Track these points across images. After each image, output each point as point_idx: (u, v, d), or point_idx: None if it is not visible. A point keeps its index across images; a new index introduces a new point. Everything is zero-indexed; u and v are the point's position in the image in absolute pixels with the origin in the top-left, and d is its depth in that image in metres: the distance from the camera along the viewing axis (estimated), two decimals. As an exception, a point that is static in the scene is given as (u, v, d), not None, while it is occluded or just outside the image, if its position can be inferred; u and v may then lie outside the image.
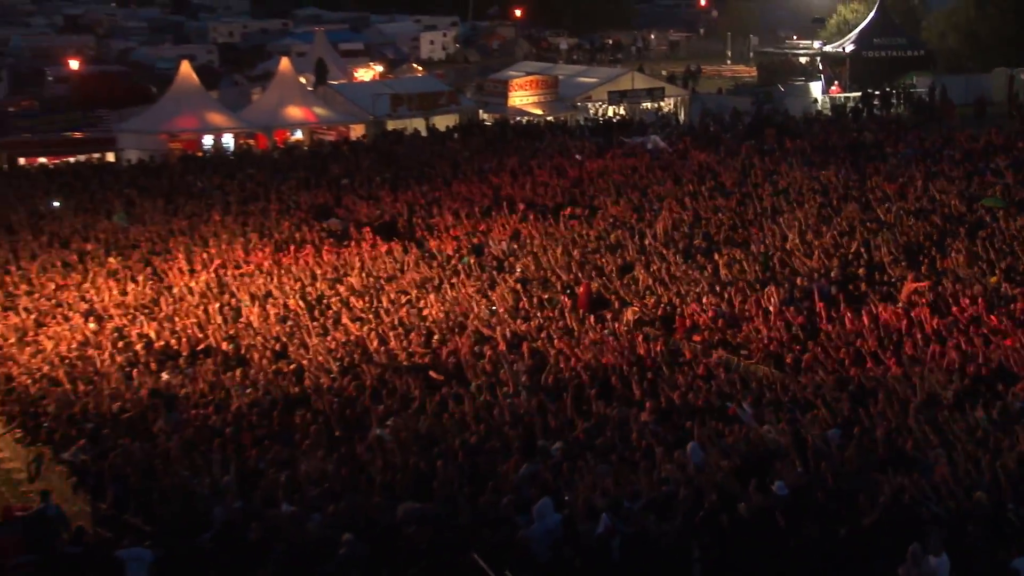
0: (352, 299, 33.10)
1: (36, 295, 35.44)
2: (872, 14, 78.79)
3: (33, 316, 33.60)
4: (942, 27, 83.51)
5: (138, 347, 30.29)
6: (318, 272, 35.95)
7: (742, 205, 39.27)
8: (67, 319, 33.19)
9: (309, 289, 34.34)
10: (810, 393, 23.53)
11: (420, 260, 36.50)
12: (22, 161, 59.42)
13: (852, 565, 16.68)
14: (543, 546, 17.56)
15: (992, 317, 26.50)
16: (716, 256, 33.68)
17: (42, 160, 59.66)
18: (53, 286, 36.18)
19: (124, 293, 35.10)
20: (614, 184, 44.39)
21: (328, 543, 18.33)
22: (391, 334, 29.70)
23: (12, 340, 31.82)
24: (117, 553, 18.62)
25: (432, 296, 32.72)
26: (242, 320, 32.02)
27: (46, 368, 29.34)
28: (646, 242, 35.88)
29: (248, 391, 26.66)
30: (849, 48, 75.33)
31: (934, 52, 77.56)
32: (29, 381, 28.41)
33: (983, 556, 16.69)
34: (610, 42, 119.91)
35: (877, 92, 67.80)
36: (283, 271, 36.43)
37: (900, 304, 28.21)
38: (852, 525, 17.45)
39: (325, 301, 33.20)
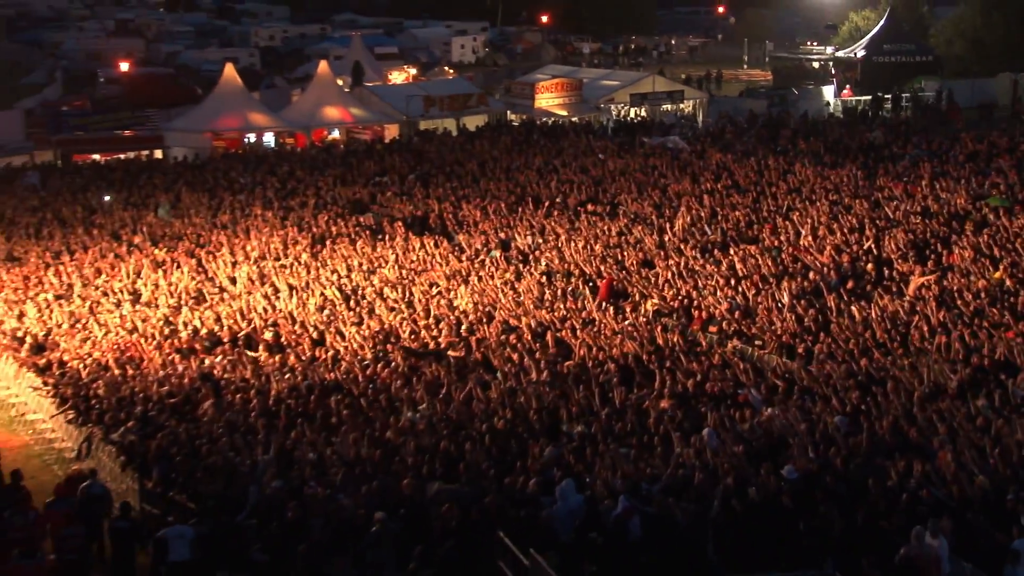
0: (385, 290, 33.19)
1: (88, 285, 35.64)
2: (883, 21, 78.47)
3: (85, 304, 33.80)
4: (949, 34, 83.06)
5: (183, 334, 30.45)
6: (353, 264, 36.04)
7: (757, 203, 39.16)
8: (117, 307, 33.38)
9: (345, 280, 34.44)
10: (820, 382, 23.50)
11: (450, 254, 36.56)
12: (75, 158, 59.68)
13: (859, 546, 16.64)
14: (565, 525, 17.58)
15: (995, 311, 26.42)
16: (732, 251, 33.64)
17: (94, 157, 59.91)
18: (104, 276, 36.38)
19: (170, 283, 35.25)
20: (635, 182, 44.30)
21: (362, 521, 18.40)
22: (422, 324, 29.78)
23: (65, 327, 32.03)
24: (161, 533, 18.76)
25: (461, 288, 32.77)
26: (282, 309, 32.14)
27: (96, 353, 29.54)
28: (665, 237, 35.82)
29: (287, 376, 26.79)
30: (860, 53, 74.99)
31: (941, 58, 77.17)
32: (81, 366, 28.60)
33: (984, 538, 16.66)
34: (632, 46, 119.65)
35: (887, 96, 67.47)
36: (320, 263, 36.55)
37: (907, 298, 28.13)
38: (859, 508, 17.44)
39: (360, 292, 33.32)
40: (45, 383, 28.17)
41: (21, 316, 33.26)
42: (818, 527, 17.02)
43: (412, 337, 28.93)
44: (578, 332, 28.09)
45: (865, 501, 17.66)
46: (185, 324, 31.23)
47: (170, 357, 28.95)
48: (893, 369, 23.54)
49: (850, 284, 29.63)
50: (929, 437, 20.12)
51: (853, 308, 27.69)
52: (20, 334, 31.82)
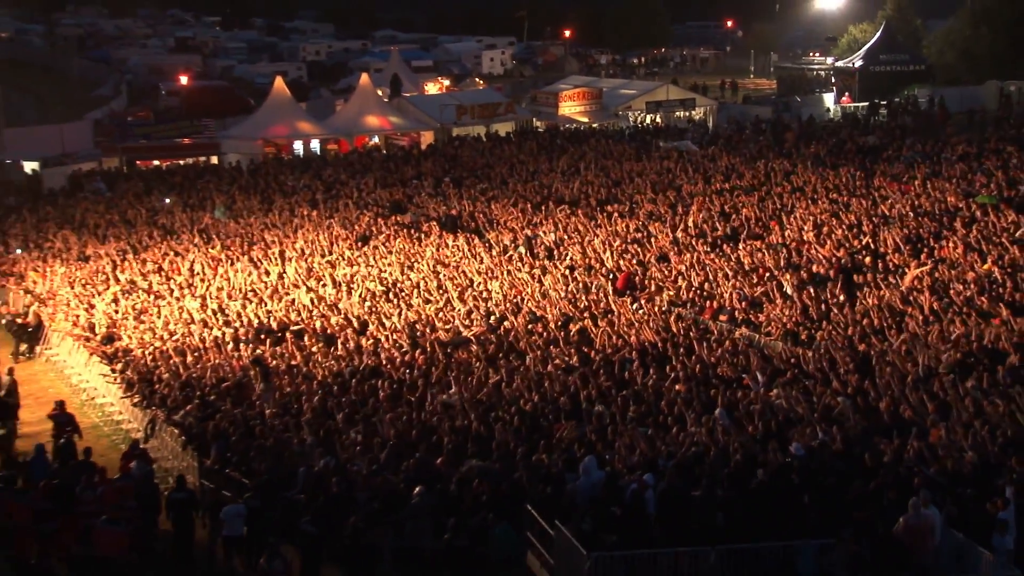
0: (422, 283, 33.20)
1: (150, 280, 35.77)
2: (879, 34, 78.15)
3: (148, 298, 33.94)
4: (941, 45, 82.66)
5: (237, 325, 30.54)
6: (392, 260, 36.06)
7: (763, 201, 38.99)
8: (177, 300, 33.51)
9: (385, 274, 34.46)
10: (823, 366, 23.37)
11: (481, 250, 36.53)
12: (139, 164, 59.96)
13: (860, 515, 16.58)
14: (587, 499, 17.55)
15: (983, 300, 26.23)
16: (740, 246, 33.51)
17: (156, 162, 60.17)
18: (164, 272, 36.52)
19: (225, 278, 35.34)
20: (651, 183, 44.20)
21: (402, 494, 18.43)
22: (455, 313, 29.78)
23: (130, 319, 32.17)
24: (221, 513, 18.85)
25: (491, 281, 32.75)
26: (327, 301, 32.20)
27: (158, 343, 29.67)
28: (678, 234, 35.70)
29: (332, 363, 26.83)
30: (858, 63, 74.64)
31: (933, 67, 76.78)
32: (144, 354, 28.72)
33: (974, 509, 16.57)
34: (642, 60, 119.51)
35: (883, 102, 67.19)
36: (362, 259, 36.58)
37: (903, 288, 27.96)
38: (859, 482, 17.37)
39: (399, 285, 33.34)
40: (113, 370, 28.32)
41: (91, 309, 33.42)
42: (822, 498, 16.98)
43: (446, 326, 28.95)
44: (599, 321, 28.04)
45: (864, 475, 17.60)
46: (239, 316, 31.33)
47: (226, 346, 29.04)
48: (889, 354, 23.39)
49: (850, 276, 29.46)
50: (923, 417, 20.02)
51: (851, 297, 27.56)
52: (90, 325, 32.00)
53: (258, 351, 28.27)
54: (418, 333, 28.63)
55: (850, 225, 34.15)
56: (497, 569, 17.31)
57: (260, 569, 17.00)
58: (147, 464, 21.36)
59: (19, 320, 33.72)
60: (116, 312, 32.89)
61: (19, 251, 40.75)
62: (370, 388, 24.44)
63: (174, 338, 30.00)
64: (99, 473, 20.69)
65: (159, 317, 31.95)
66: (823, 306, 27.40)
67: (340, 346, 28.12)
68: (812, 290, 28.57)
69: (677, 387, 22.86)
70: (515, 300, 30.83)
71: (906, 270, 29.17)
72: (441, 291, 32.36)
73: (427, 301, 31.51)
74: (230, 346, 28.89)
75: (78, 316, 32.91)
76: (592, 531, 16.27)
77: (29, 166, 57.88)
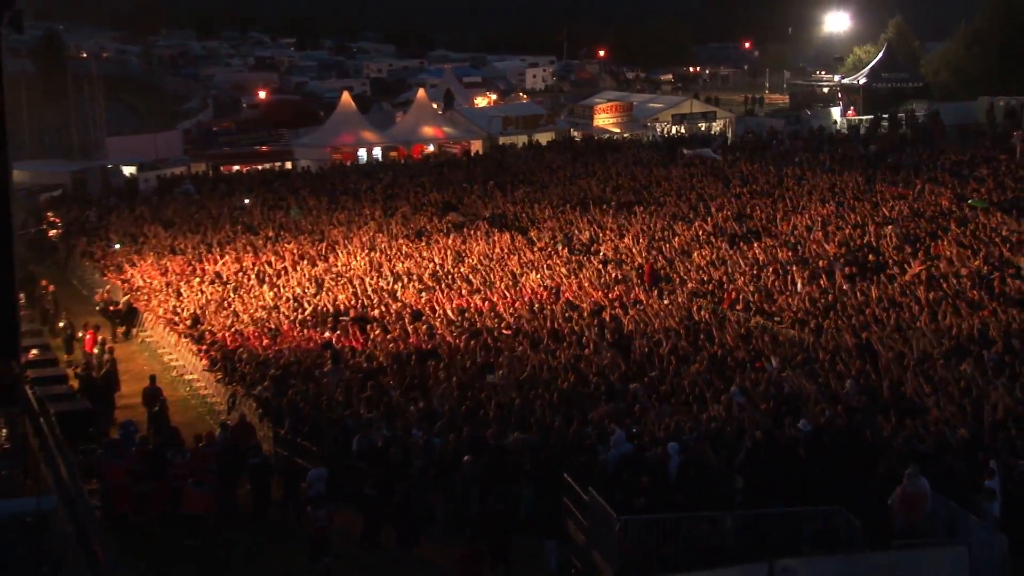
0: (471, 275, 33.19)
1: (231, 270, 36.00)
2: (881, 54, 77.71)
3: (229, 286, 34.15)
4: (937, 64, 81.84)
5: (308, 311, 30.66)
6: (445, 254, 36.08)
7: (776, 204, 38.68)
8: (255, 289, 33.69)
9: (438, 267, 34.48)
10: (830, 351, 23.18)
11: (524, 246, 36.48)
12: (223, 168, 60.41)
13: (863, 484, 16.47)
14: (617, 468, 17.48)
15: (974, 292, 25.94)
16: (755, 243, 33.27)
17: (237, 167, 60.59)
18: (245, 264, 36.73)
19: (298, 270, 35.51)
20: (675, 187, 43.98)
21: (452, 463, 18.46)
22: (501, 302, 29.75)
23: (214, 305, 32.39)
24: (308, 476, 18.92)
25: (533, 273, 32.69)
26: (387, 290, 32.25)
27: (239, 326, 29.84)
28: (700, 232, 35.49)
29: (391, 345, 26.87)
30: (862, 80, 74.09)
31: (930, 84, 76.18)
32: (227, 336, 28.89)
33: (964, 479, 16.42)
34: (669, 77, 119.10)
35: (884, 115, 66.63)
36: (418, 253, 36.62)
37: (902, 281, 27.68)
38: (862, 455, 17.23)
39: (450, 276, 33.34)
40: (199, 350, 28.52)
41: (180, 296, 33.67)
42: (828, 469, 16.85)
43: (492, 313, 28.91)
44: (628, 310, 27.93)
45: (866, 450, 17.46)
46: (309, 303, 31.45)
47: (298, 330, 29.16)
48: (889, 341, 23.16)
49: (853, 271, 29.19)
50: (920, 397, 19.82)
51: (856, 290, 27.30)
52: (179, 311, 32.25)
53: (326, 335, 28.37)
54: (467, 319, 28.63)
55: (854, 225, 33.84)
56: (525, 527, 17.34)
57: (307, 516, 17.16)
58: (225, 437, 21.41)
59: (111, 307, 33.94)
60: (201, 298, 33.12)
61: (117, 245, 41.14)
62: (425, 368, 24.47)
63: (252, 322, 30.16)
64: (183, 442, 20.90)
65: (239, 303, 32.14)
66: (829, 297, 27.17)
67: (399, 330, 28.16)
68: (819, 283, 28.35)
69: (694, 367, 22.77)
70: (554, 290, 30.75)
71: (906, 267, 28.88)
72: (488, 282, 32.34)
73: (475, 291, 31.48)
74: (302, 330, 29.00)
75: (168, 302, 33.17)
76: (622, 497, 16.21)
77: (127, 170, 58.51)
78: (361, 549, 18.03)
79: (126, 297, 34.26)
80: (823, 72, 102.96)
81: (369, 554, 17.93)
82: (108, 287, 36.21)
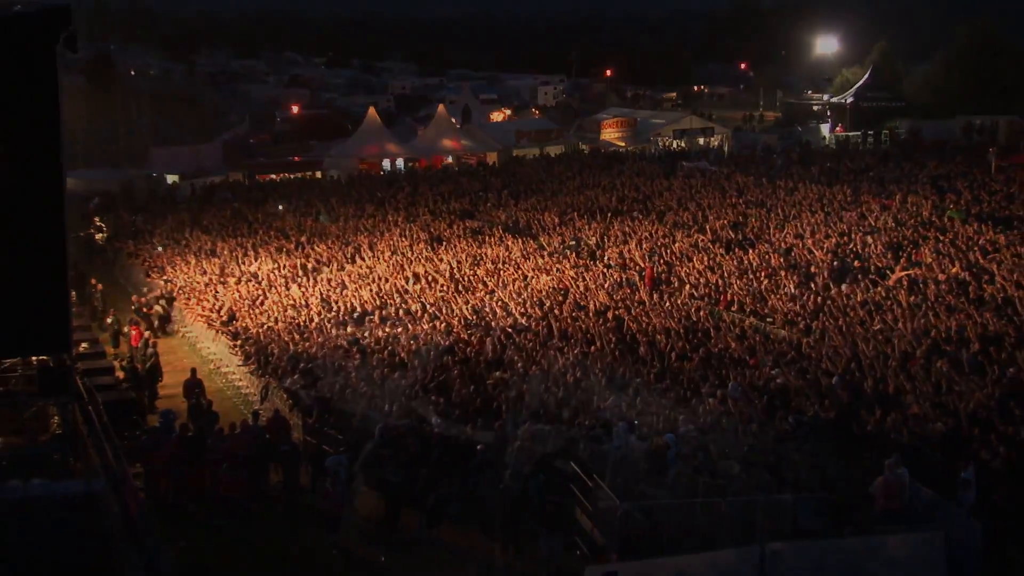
0: (486, 277, 33.16)
1: (266, 270, 36.03)
2: (867, 75, 77.94)
3: (263, 285, 34.20)
4: (918, 85, 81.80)
5: (335, 309, 30.66)
6: (462, 258, 36.06)
7: (769, 213, 38.60)
8: (286, 288, 33.72)
9: (455, 270, 34.45)
10: (817, 349, 23.11)
11: (535, 250, 36.44)
12: (259, 177, 60.56)
13: (848, 473, 16.44)
14: (620, 458, 17.47)
15: (951, 297, 25.84)
16: (750, 249, 33.20)
17: (272, 176, 60.73)
18: (277, 265, 36.76)
19: (327, 270, 35.51)
20: (676, 196, 43.92)
21: (467, 450, 18.47)
22: (512, 303, 29.72)
23: (247, 303, 32.42)
24: (326, 462, 18.94)
25: (543, 276, 32.66)
26: (409, 291, 32.23)
27: (272, 323, 29.86)
28: (698, 238, 35.43)
29: (411, 342, 26.85)
30: (850, 99, 74.10)
31: (912, 103, 76.18)
32: (260, 331, 28.92)
33: (941, 469, 16.38)
34: (672, 95, 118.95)
35: (870, 132, 66.66)
36: (437, 256, 36.61)
37: (885, 285, 27.59)
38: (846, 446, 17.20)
39: (467, 278, 33.31)
40: (235, 344, 28.57)
41: (217, 294, 33.73)
42: (813, 459, 16.81)
43: (505, 313, 28.87)
44: (632, 311, 27.88)
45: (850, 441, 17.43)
46: (336, 302, 31.46)
47: (326, 327, 29.17)
48: (872, 341, 23.08)
49: (840, 276, 29.10)
50: (901, 393, 19.75)
51: (843, 293, 27.23)
52: (217, 308, 32.30)
53: (352, 332, 28.37)
54: (482, 318, 28.60)
55: (841, 233, 33.75)
56: (535, 512, 17.30)
57: (326, 491, 17.20)
58: (258, 427, 21.42)
59: (144, 310, 33.72)
60: (237, 297, 33.17)
61: (160, 248, 41.23)
62: (443, 364, 24.45)
63: (284, 319, 30.18)
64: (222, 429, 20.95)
65: (273, 302, 32.16)
66: (818, 299, 27.08)
67: (419, 328, 28.12)
68: (808, 287, 28.25)
69: (689, 364, 22.71)
70: (562, 292, 30.70)
71: (888, 273, 28.79)
72: (501, 283, 32.31)
73: (490, 292, 31.45)
74: (330, 327, 29.00)
75: (207, 300, 33.24)
76: (622, 484, 16.21)
77: (170, 179, 58.73)
78: (383, 530, 18.05)
79: (158, 304, 34.03)
80: (813, 92, 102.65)
81: (391, 535, 17.96)
82: (146, 290, 36.10)
